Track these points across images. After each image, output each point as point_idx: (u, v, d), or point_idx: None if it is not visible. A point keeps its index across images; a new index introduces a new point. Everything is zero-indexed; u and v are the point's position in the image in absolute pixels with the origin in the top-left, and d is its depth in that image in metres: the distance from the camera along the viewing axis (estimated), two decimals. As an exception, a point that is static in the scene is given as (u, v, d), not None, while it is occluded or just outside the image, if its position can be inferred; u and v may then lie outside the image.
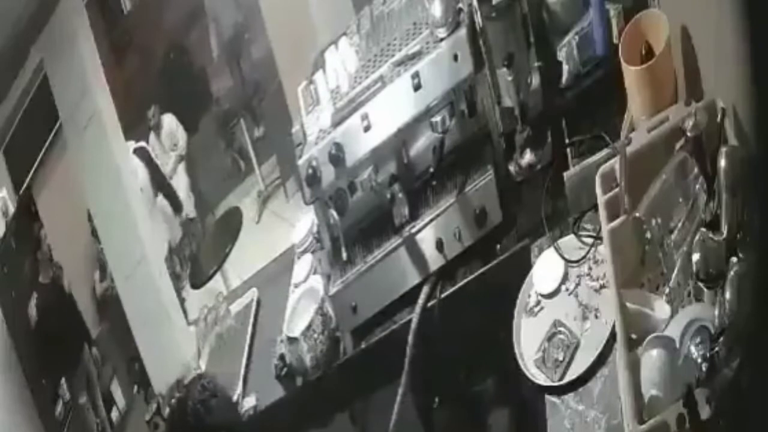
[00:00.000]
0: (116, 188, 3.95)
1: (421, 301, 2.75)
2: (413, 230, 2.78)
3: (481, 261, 2.68)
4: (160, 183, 3.75)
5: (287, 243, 3.20)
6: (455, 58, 2.61)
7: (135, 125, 3.84)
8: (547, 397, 2.38)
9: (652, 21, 2.19)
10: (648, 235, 1.99)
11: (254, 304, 3.35)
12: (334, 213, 2.87)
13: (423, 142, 2.74)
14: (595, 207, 2.25)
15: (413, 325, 2.74)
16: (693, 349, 1.79)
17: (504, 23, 2.50)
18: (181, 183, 3.70)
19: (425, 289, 2.76)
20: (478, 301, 2.67)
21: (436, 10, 2.64)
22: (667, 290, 1.97)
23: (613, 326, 2.17)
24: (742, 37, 1.55)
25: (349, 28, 2.94)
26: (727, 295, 1.75)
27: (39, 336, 4.58)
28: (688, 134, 1.94)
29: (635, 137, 2.16)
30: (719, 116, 1.95)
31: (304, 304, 3.08)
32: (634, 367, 1.88)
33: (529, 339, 2.46)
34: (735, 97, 1.88)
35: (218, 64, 3.53)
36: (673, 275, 1.94)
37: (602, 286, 2.34)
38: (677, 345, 1.82)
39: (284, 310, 3.15)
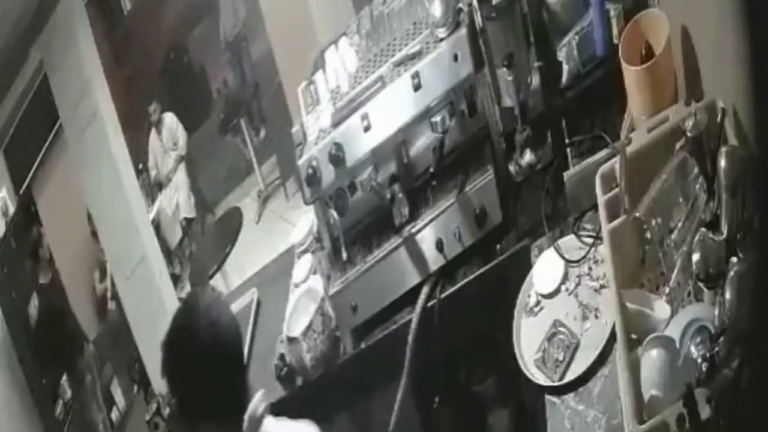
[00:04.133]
0: (116, 188, 3.95)
1: (421, 301, 2.75)
2: (413, 230, 2.77)
3: (481, 261, 2.68)
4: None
5: (287, 243, 3.20)
6: (455, 58, 2.61)
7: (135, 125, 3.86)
8: (547, 397, 2.38)
9: (652, 21, 2.19)
10: (648, 235, 1.99)
11: (254, 304, 3.35)
12: (334, 213, 2.87)
13: (423, 142, 2.74)
14: (595, 207, 2.25)
15: (413, 325, 2.73)
16: (693, 349, 1.79)
17: (504, 23, 2.50)
18: (181, 183, 3.70)
19: (425, 289, 2.75)
20: (478, 301, 2.67)
21: (436, 10, 2.64)
22: (667, 290, 1.97)
23: (613, 326, 2.17)
24: (742, 37, 1.55)
25: (349, 28, 2.94)
26: (727, 295, 1.75)
27: (39, 336, 4.58)
28: (688, 134, 1.95)
29: (635, 137, 2.16)
30: (719, 116, 1.95)
31: (304, 304, 3.08)
32: (634, 367, 1.88)
33: (529, 339, 2.46)
34: (735, 97, 1.89)
35: (218, 63, 3.53)
36: (673, 275, 1.94)
37: (602, 286, 2.34)
38: (677, 345, 1.82)
39: (284, 310, 3.14)
